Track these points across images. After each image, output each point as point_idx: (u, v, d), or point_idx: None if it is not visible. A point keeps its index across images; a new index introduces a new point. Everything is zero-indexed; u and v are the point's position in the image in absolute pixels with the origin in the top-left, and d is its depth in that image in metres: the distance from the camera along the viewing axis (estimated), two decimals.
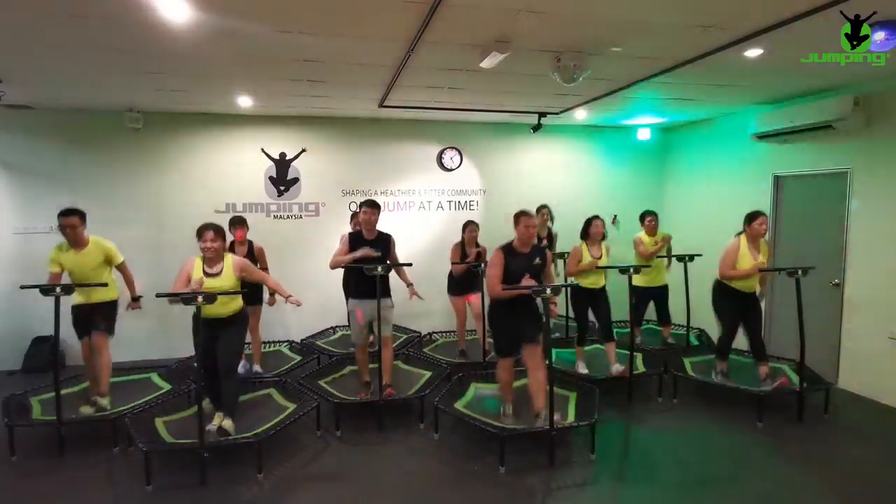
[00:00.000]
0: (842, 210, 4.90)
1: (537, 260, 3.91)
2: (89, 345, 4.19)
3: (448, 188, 6.79)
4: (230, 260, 3.79)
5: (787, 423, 4.18)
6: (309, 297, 6.31)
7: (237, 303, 3.84)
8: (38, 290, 3.57)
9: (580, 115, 6.15)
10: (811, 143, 5.15)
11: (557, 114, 6.07)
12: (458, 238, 5.51)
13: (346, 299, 4.83)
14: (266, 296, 5.07)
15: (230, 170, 6.11)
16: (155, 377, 4.72)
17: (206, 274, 3.68)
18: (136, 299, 4.47)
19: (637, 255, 5.67)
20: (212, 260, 3.71)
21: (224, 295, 3.61)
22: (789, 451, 3.78)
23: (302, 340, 5.88)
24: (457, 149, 6.74)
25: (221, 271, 3.72)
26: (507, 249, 3.89)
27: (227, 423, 3.68)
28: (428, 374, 4.74)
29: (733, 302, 4.54)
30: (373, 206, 4.38)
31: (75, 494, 3.30)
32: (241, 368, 4.92)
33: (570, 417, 3.87)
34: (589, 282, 4.94)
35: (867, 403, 4.63)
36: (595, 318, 5.06)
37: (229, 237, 4.47)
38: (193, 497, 3.26)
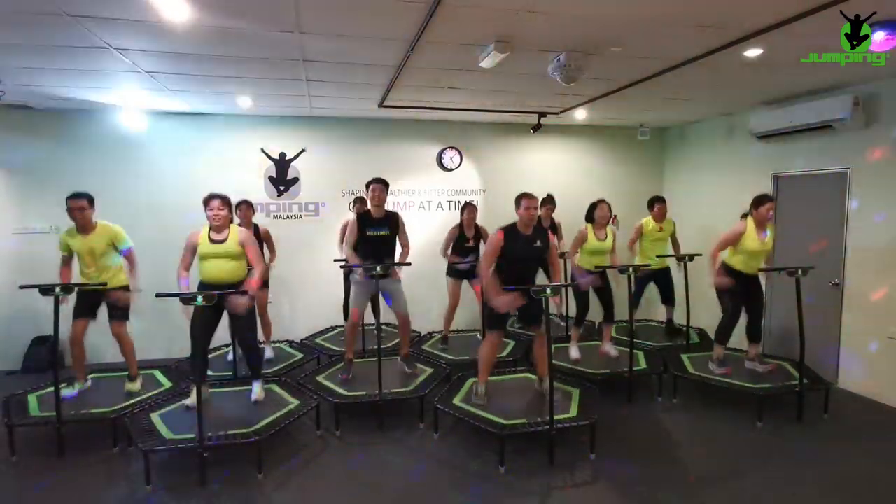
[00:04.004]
0: (842, 210, 4.90)
1: (538, 243, 3.97)
2: (83, 329, 4.16)
3: (448, 188, 6.79)
4: (235, 229, 3.97)
5: (787, 423, 4.18)
6: (309, 297, 6.39)
7: (243, 271, 3.98)
8: (37, 290, 3.57)
9: (580, 115, 6.14)
10: (811, 143, 5.15)
11: (557, 114, 6.07)
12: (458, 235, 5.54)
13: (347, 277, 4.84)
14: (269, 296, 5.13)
15: (230, 169, 6.10)
16: (158, 374, 4.72)
17: (212, 241, 3.88)
18: (122, 287, 4.18)
19: (639, 240, 5.76)
20: (218, 227, 3.89)
21: (230, 261, 3.88)
22: (789, 451, 3.79)
23: (302, 340, 5.89)
24: (457, 149, 6.75)
25: (227, 238, 3.91)
26: (509, 231, 3.93)
27: (259, 392, 4.08)
28: (428, 370, 4.75)
29: (735, 284, 4.55)
30: (381, 183, 4.41)
31: (75, 494, 3.30)
32: (269, 351, 5.36)
33: (573, 412, 3.86)
34: (593, 263, 5.02)
35: (867, 403, 4.63)
36: (598, 298, 5.13)
37: (235, 219, 4.63)
38: (193, 497, 3.26)
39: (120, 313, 4.23)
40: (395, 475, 3.53)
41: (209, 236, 3.89)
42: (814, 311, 4.76)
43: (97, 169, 5.68)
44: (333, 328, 6.23)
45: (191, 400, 3.82)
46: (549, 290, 3.56)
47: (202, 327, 3.79)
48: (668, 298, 5.89)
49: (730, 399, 4.51)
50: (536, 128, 6.28)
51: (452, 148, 6.73)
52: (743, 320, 4.71)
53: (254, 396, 4.05)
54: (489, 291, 3.87)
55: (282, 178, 6.32)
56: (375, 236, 4.40)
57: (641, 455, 3.80)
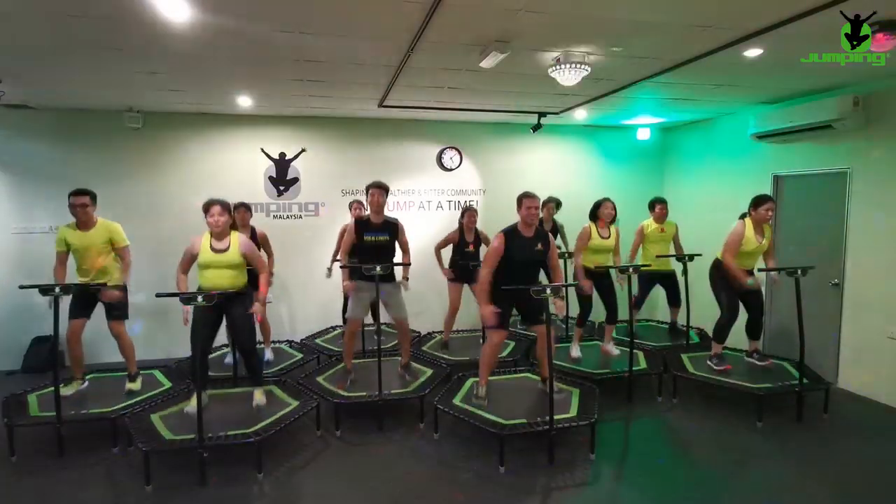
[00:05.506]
0: (842, 210, 4.89)
1: (539, 246, 3.97)
2: (80, 328, 4.15)
3: (448, 188, 6.79)
4: (236, 237, 3.93)
5: (787, 423, 4.18)
6: (309, 297, 6.39)
7: (244, 278, 3.96)
8: (37, 290, 3.57)
9: (580, 115, 6.15)
10: (811, 143, 5.15)
11: (557, 114, 6.07)
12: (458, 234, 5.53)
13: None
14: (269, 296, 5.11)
15: (230, 169, 6.11)
16: (158, 374, 4.72)
17: (214, 249, 3.83)
18: (118, 287, 4.16)
19: (639, 244, 5.72)
20: (219, 234, 3.85)
21: (230, 269, 3.84)
22: (788, 451, 3.79)
23: (302, 340, 5.89)
24: (457, 149, 6.75)
25: (228, 247, 3.87)
26: (510, 233, 3.94)
27: (260, 397, 4.02)
28: (428, 371, 4.75)
29: (732, 282, 4.55)
30: (380, 188, 4.34)
31: (75, 494, 3.30)
32: (268, 353, 5.33)
33: (573, 412, 3.86)
34: (596, 262, 5.01)
35: (866, 403, 4.63)
36: (600, 298, 5.11)
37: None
38: (193, 497, 3.26)
39: (118, 312, 4.23)
40: (395, 475, 3.53)
41: (210, 245, 3.83)
42: (813, 311, 4.76)
43: (97, 169, 5.68)
44: (333, 328, 6.23)
45: (191, 407, 3.78)
46: (548, 291, 3.56)
47: (202, 329, 3.78)
48: (674, 301, 5.87)
49: (730, 399, 4.52)
50: (536, 128, 6.28)
51: (452, 148, 6.74)
52: (742, 318, 4.72)
53: (255, 402, 4.00)
54: (480, 298, 3.91)
55: (282, 178, 6.32)
56: (374, 241, 4.35)
57: (641, 455, 3.80)
